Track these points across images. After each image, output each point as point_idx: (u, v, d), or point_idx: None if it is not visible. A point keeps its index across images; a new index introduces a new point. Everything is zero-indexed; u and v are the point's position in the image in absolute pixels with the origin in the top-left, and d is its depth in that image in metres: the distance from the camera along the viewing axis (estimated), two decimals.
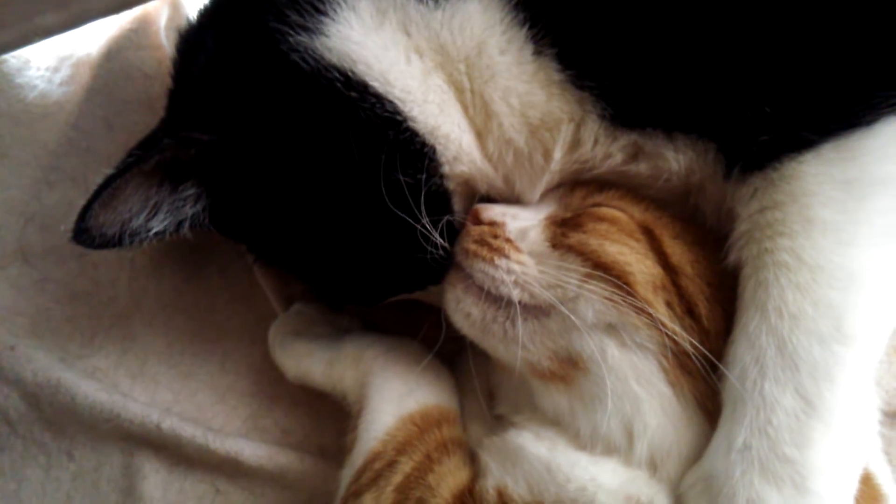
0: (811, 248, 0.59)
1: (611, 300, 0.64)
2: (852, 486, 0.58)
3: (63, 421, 0.94)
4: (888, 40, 0.60)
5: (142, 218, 0.74)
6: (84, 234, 0.72)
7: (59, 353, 0.97)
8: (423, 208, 0.70)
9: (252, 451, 0.90)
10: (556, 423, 0.69)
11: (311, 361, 0.87)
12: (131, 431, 0.91)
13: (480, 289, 0.71)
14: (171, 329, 1.00)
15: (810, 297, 0.59)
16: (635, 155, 0.71)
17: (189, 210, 0.76)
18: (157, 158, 0.72)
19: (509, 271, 0.69)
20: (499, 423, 0.76)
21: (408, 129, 0.70)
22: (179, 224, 0.77)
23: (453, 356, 0.87)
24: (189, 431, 0.90)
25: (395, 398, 0.78)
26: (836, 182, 0.60)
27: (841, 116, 0.61)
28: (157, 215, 0.75)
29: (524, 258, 0.70)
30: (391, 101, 0.70)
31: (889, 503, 0.65)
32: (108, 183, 0.71)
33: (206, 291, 1.01)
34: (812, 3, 0.61)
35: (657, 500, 0.61)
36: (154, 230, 0.75)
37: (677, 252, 0.67)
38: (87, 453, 0.95)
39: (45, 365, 0.95)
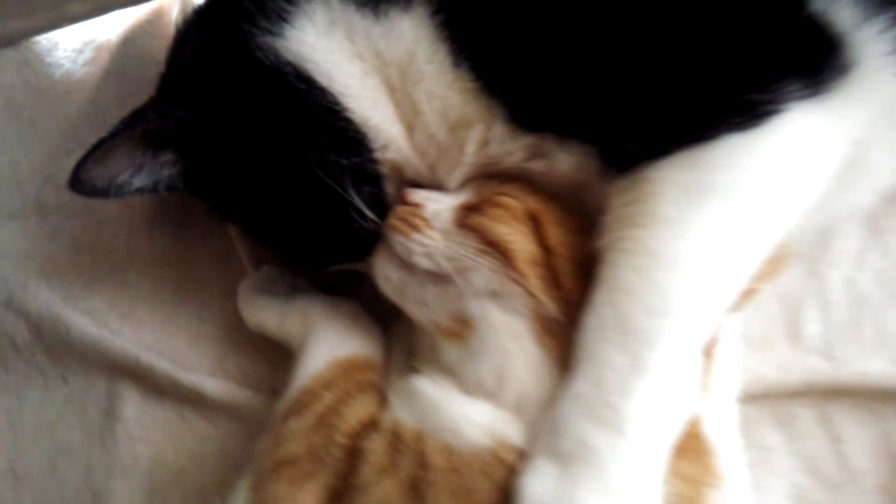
0: (651, 239, 0.71)
1: (496, 272, 0.77)
2: (666, 435, 0.70)
3: (60, 349, 1.08)
4: (727, 70, 0.71)
5: (127, 175, 0.87)
6: (78, 183, 0.85)
7: (62, 293, 1.10)
8: (351, 186, 0.83)
9: (213, 386, 1.03)
10: (450, 372, 0.81)
11: (268, 315, 0.99)
12: (115, 362, 1.05)
13: (399, 258, 0.84)
14: (159, 280, 1.12)
15: (644, 277, 0.70)
16: (534, 154, 0.82)
17: (166, 172, 0.89)
18: (142, 127, 0.85)
19: (420, 244, 0.81)
20: (412, 372, 0.90)
21: (344, 118, 0.83)
22: (157, 183, 0.90)
23: (389, 318, 1.00)
24: (163, 366, 1.03)
25: (329, 346, 0.90)
26: (680, 186, 0.71)
27: (689, 131, 0.71)
28: (140, 174, 0.88)
29: (434, 234, 0.82)
30: (332, 94, 0.83)
31: (715, 458, 0.77)
32: (101, 143, 0.83)
33: (192, 250, 1.13)
34: (662, 38, 0.73)
35: (512, 434, 0.73)
36: (136, 186, 0.88)
37: (555, 236, 0.79)
38: (78, 379, 1.08)
39: (49, 301, 1.08)
